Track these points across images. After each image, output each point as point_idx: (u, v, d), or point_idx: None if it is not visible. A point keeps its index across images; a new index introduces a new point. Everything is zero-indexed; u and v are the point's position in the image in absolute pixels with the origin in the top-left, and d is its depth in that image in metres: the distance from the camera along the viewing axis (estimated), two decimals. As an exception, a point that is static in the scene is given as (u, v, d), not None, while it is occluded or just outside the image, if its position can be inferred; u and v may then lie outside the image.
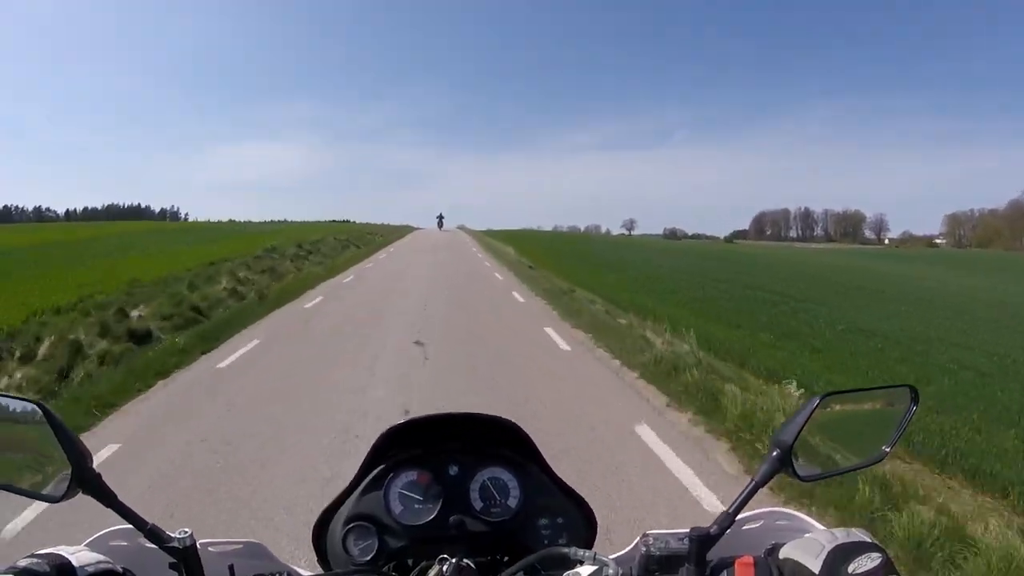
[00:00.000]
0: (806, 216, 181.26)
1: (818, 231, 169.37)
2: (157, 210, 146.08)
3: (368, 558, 0.68)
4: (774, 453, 0.56)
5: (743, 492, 0.54)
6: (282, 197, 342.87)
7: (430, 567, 0.60)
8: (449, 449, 0.74)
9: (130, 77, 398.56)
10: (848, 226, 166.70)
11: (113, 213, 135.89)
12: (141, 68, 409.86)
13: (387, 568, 0.65)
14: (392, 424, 0.72)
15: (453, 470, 0.73)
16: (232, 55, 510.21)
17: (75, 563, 0.49)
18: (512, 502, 0.72)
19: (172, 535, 0.52)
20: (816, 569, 0.47)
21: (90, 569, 0.49)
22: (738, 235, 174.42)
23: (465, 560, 0.60)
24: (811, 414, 0.56)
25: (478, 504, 0.72)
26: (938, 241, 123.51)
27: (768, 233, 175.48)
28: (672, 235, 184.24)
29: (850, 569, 0.47)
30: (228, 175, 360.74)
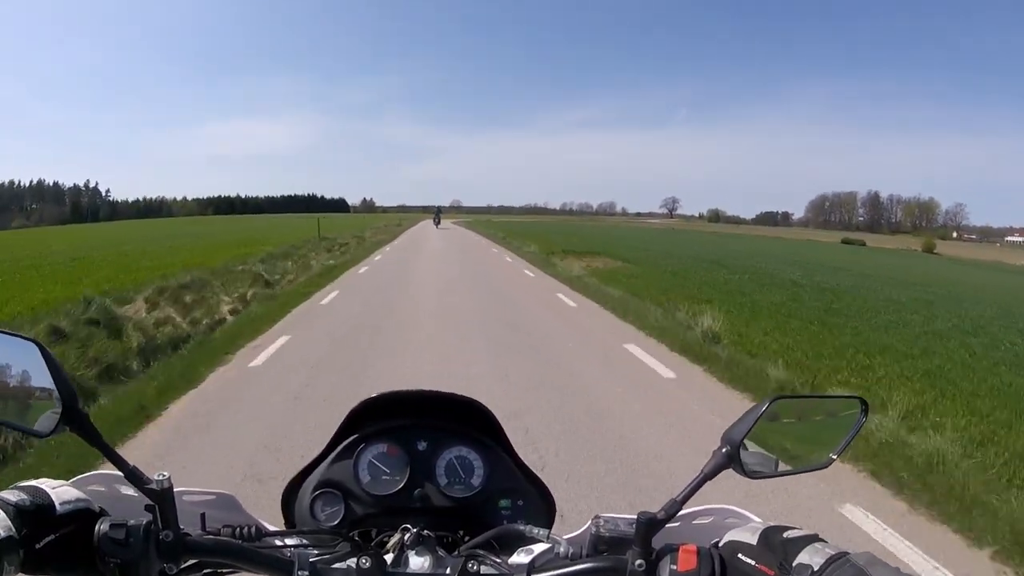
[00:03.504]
0: (875, 201, 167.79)
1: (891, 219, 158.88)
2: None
3: (334, 523, 0.75)
4: (723, 449, 0.60)
5: (691, 483, 0.59)
6: (273, 173, 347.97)
7: (392, 535, 0.65)
8: (420, 425, 0.80)
9: (107, 52, 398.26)
10: (921, 216, 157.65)
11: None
12: (116, 43, 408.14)
13: (352, 534, 0.67)
14: (366, 396, 0.79)
15: (422, 445, 0.79)
16: (220, 28, 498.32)
17: (54, 498, 0.53)
18: (476, 481, 0.78)
19: (150, 477, 0.55)
20: (753, 541, 0.54)
21: (68, 506, 0.54)
22: (779, 220, 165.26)
23: (426, 531, 0.64)
24: (761, 415, 0.60)
25: (443, 480, 0.77)
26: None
27: (833, 220, 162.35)
28: (715, 218, 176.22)
29: (784, 535, 0.53)
30: (212, 151, 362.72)
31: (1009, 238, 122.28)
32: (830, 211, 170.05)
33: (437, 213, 46.19)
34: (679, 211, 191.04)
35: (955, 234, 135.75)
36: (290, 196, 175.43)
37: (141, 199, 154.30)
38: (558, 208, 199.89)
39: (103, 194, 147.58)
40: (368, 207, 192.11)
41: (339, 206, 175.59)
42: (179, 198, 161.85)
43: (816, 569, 0.48)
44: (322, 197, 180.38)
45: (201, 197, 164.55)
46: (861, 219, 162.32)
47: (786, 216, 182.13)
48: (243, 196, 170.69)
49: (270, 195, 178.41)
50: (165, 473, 0.55)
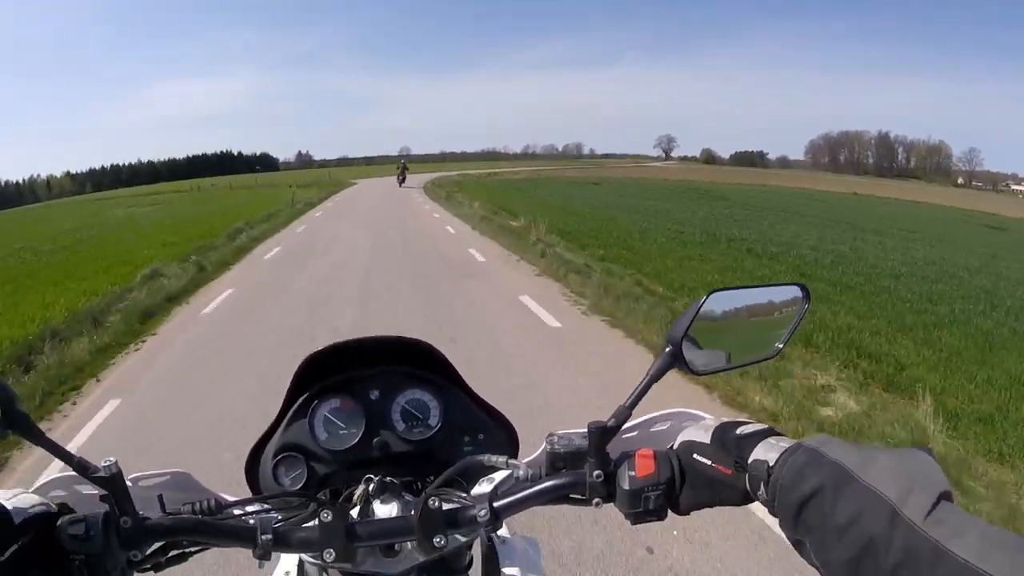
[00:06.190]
0: (885, 142, 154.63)
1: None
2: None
3: (299, 486, 0.75)
4: (667, 349, 0.61)
5: (637, 387, 0.59)
6: (220, 132, 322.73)
7: (357, 488, 0.67)
8: (369, 374, 0.81)
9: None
10: (932, 160, 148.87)
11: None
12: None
13: (319, 494, 0.70)
14: (311, 351, 0.79)
15: (374, 394, 0.80)
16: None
17: (10, 508, 0.53)
18: (433, 421, 0.79)
19: (98, 465, 0.55)
20: (707, 440, 0.55)
21: (26, 513, 0.54)
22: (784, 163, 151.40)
23: (388, 477, 0.66)
24: (699, 310, 0.61)
25: (400, 426, 0.79)
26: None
27: (840, 161, 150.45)
28: (711, 159, 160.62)
29: (738, 432, 0.53)
30: (153, 113, 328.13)
31: (1016, 186, 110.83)
32: (835, 152, 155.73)
33: (402, 170, 31.88)
34: (676, 152, 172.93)
35: (960, 180, 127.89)
36: (195, 156, 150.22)
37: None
38: (519, 151, 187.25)
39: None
40: (305, 162, 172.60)
41: (263, 163, 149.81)
42: (42, 176, 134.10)
43: (772, 464, 0.49)
44: (239, 154, 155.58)
45: (80, 171, 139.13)
46: (870, 162, 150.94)
47: (761, 155, 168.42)
48: (132, 163, 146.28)
49: (173, 157, 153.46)
50: (111, 459, 0.54)
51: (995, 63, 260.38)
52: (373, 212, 18.42)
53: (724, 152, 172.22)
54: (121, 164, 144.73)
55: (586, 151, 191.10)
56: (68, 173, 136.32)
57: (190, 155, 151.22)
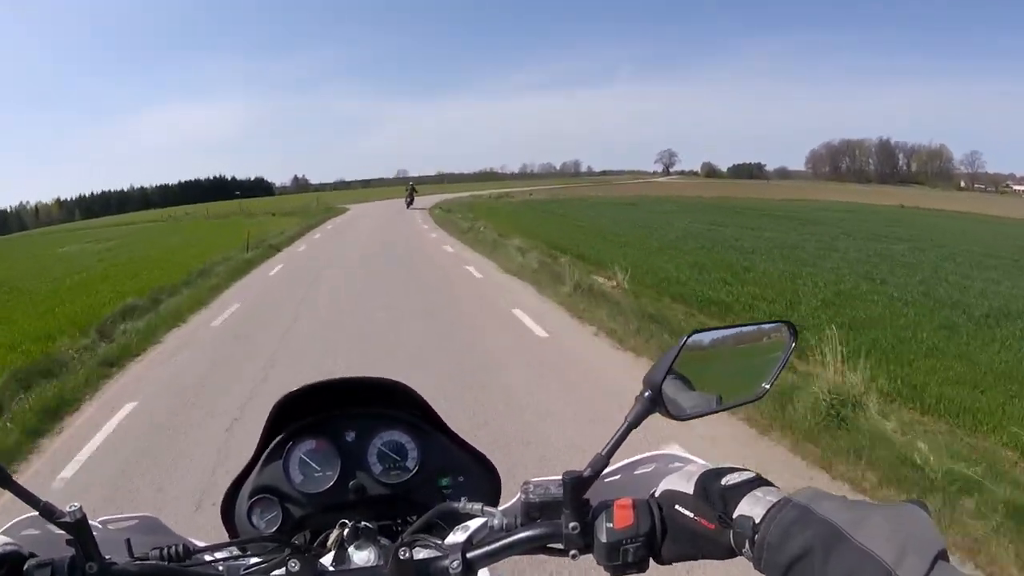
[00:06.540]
0: (886, 148, 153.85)
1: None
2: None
3: (274, 529, 0.74)
4: (646, 394, 0.58)
5: (615, 434, 0.57)
6: (215, 157, 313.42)
7: (332, 533, 0.65)
8: (345, 415, 0.80)
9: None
10: (934, 164, 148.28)
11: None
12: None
13: (296, 539, 0.69)
14: (285, 392, 0.77)
15: (350, 436, 0.79)
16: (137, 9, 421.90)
17: None
18: (410, 463, 0.78)
19: (63, 510, 0.55)
20: (690, 491, 0.52)
21: None
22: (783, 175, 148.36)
23: (363, 522, 0.64)
24: (679, 352, 0.58)
25: (377, 468, 0.78)
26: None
27: (842, 169, 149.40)
28: (712, 173, 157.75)
29: (723, 482, 0.51)
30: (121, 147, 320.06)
31: (1017, 187, 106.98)
32: (836, 161, 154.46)
33: (410, 192, 30.84)
34: (677, 166, 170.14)
35: (962, 183, 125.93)
36: (188, 182, 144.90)
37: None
38: (517, 171, 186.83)
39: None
40: (301, 186, 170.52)
41: (256, 188, 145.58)
42: (32, 203, 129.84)
43: (758, 521, 0.46)
44: (233, 179, 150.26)
45: (70, 198, 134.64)
46: (872, 168, 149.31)
47: (760, 167, 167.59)
48: (124, 189, 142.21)
49: (165, 183, 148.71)
50: (76, 504, 0.54)
51: (991, 64, 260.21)
52: (369, 262, 12.00)
53: (722, 165, 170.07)
54: (111, 191, 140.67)
55: (584, 168, 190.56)
56: (58, 200, 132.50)
57: (182, 181, 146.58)
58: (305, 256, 14.18)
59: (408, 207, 28.49)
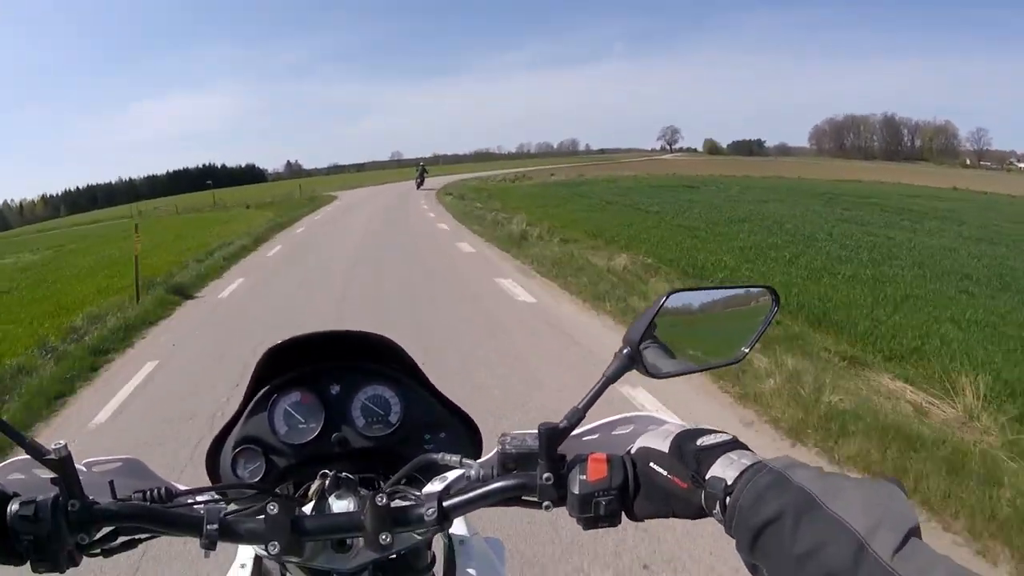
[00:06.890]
0: (891, 124, 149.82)
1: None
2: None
3: (257, 479, 0.75)
4: (624, 351, 0.59)
5: (593, 389, 0.58)
6: (207, 146, 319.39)
7: (313, 483, 0.66)
8: (331, 368, 0.80)
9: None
10: (939, 141, 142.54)
11: None
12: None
13: (280, 490, 0.71)
14: (272, 344, 0.76)
15: (335, 389, 0.79)
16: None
17: None
18: (393, 418, 0.78)
19: (48, 448, 0.55)
20: (665, 449, 0.52)
21: None
22: (784, 151, 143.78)
23: (344, 473, 0.65)
24: (658, 311, 0.59)
25: (360, 421, 0.78)
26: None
27: (846, 146, 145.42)
28: (714, 150, 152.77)
29: (698, 443, 0.51)
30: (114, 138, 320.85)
31: (1020, 164, 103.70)
32: (840, 137, 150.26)
33: (420, 173, 30.15)
34: (679, 144, 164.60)
35: (968, 161, 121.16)
36: (177, 171, 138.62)
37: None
38: (514, 151, 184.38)
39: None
40: (295, 172, 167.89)
41: (247, 175, 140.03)
42: (16, 200, 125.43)
43: (730, 483, 0.46)
44: (223, 167, 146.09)
45: (56, 194, 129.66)
46: (876, 145, 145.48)
47: (760, 144, 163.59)
48: (112, 182, 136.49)
49: (152, 174, 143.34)
50: (61, 442, 0.55)
51: (996, 39, 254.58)
52: (349, 302, 6.53)
53: (722, 142, 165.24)
54: (97, 184, 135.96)
55: (582, 147, 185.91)
56: (43, 197, 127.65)
57: (171, 170, 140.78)
58: (224, 315, 6.65)
59: (418, 188, 28.14)
